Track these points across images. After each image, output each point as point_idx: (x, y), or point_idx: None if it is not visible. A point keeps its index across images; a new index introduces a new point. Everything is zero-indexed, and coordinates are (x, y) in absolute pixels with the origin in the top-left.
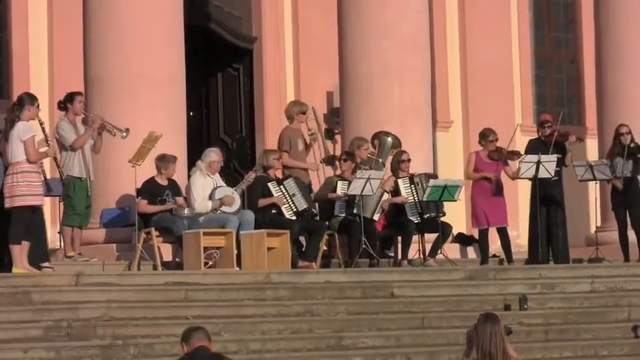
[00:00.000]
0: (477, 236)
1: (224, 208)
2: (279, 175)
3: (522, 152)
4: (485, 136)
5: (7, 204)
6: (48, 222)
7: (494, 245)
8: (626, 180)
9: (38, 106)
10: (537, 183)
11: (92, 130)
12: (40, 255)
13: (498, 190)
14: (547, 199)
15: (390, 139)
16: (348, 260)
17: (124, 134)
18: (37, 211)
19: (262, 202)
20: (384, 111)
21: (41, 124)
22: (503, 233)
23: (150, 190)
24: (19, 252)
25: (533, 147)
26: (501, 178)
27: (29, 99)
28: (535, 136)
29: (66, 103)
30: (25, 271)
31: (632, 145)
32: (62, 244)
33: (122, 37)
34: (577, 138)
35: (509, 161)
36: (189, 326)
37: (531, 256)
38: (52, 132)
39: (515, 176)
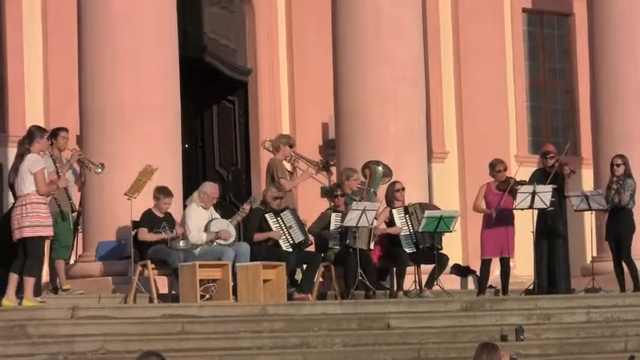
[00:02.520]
0: (472, 267)
1: (220, 242)
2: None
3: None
4: (493, 166)
5: (17, 235)
6: None
7: (491, 275)
8: (617, 211)
9: (48, 139)
10: (540, 214)
11: (70, 164)
12: (35, 288)
13: (507, 220)
14: (549, 231)
15: (380, 168)
16: (344, 292)
17: (99, 170)
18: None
19: (258, 236)
20: (380, 142)
21: (51, 155)
22: (504, 264)
23: (148, 221)
24: (31, 285)
25: (536, 178)
26: (511, 207)
27: (39, 131)
28: (530, 165)
29: (50, 139)
30: (36, 304)
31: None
32: (57, 277)
33: (117, 69)
34: (570, 170)
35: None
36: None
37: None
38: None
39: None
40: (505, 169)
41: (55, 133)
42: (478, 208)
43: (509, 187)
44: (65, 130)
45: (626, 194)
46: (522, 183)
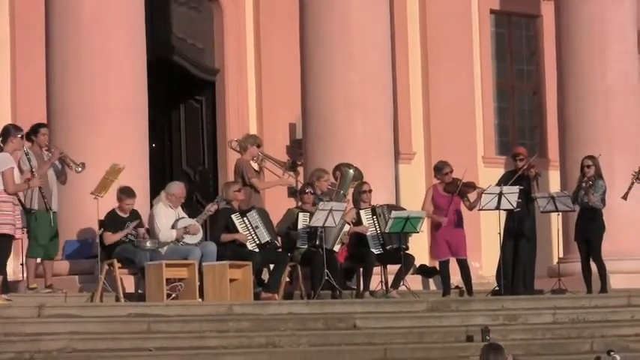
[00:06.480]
0: (439, 267)
1: (187, 239)
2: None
3: (479, 184)
4: (439, 169)
5: None
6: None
7: (456, 277)
8: (587, 211)
9: (23, 137)
10: (509, 215)
11: (51, 162)
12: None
13: (458, 221)
14: (516, 232)
15: (351, 171)
16: (311, 292)
17: (79, 169)
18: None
19: (225, 237)
20: (347, 143)
21: (26, 154)
22: (462, 265)
23: (112, 222)
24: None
25: (506, 179)
26: (461, 209)
27: (14, 130)
28: (497, 166)
29: (30, 135)
30: (2, 303)
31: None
32: (25, 275)
33: (85, 70)
34: (535, 172)
35: (467, 194)
36: None
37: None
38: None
39: (472, 207)
40: (451, 171)
41: (35, 130)
42: (427, 210)
43: (457, 189)
44: (45, 126)
45: (596, 195)
46: (470, 184)
